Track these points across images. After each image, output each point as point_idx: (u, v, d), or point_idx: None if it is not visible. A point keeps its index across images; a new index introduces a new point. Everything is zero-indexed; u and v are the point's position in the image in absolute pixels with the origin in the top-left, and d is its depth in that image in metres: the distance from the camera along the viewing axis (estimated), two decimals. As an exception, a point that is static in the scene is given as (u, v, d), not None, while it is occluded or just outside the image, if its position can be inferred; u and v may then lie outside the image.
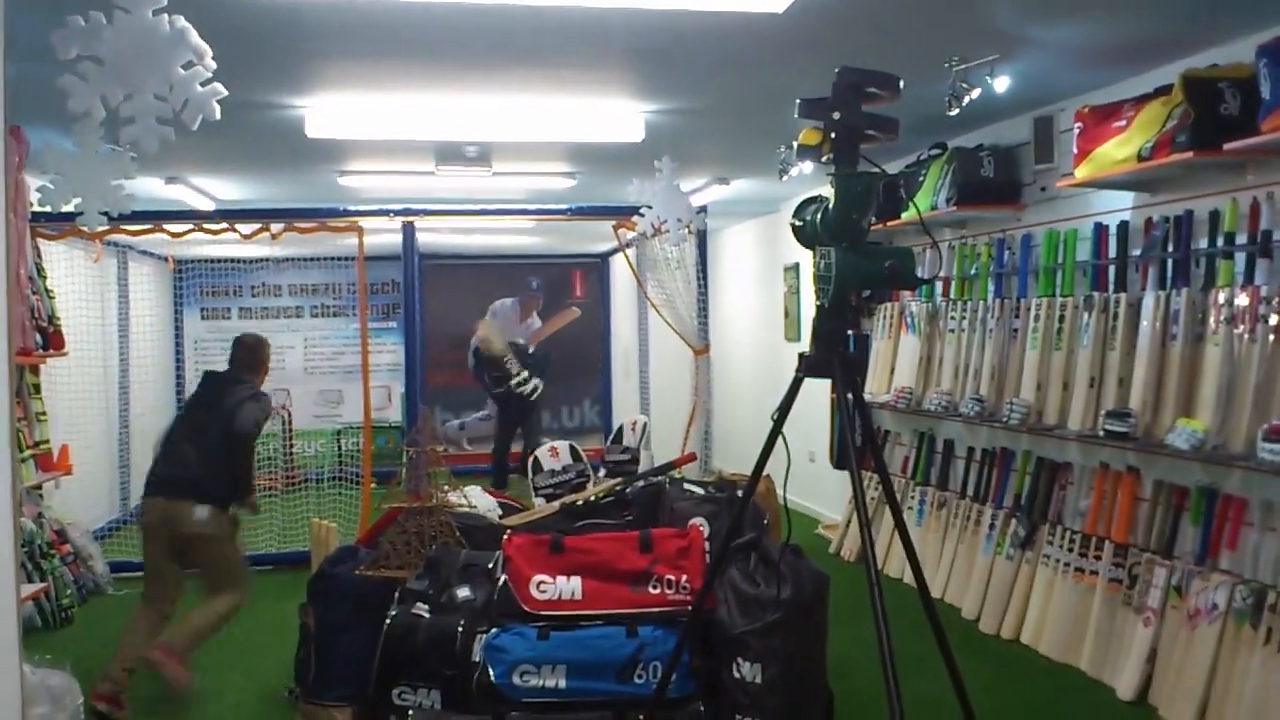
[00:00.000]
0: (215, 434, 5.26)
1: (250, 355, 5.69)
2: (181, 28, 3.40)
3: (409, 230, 7.90)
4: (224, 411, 5.30)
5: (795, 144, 3.18)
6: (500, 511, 5.29)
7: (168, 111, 3.40)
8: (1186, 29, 4.53)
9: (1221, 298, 4.53)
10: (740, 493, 4.07)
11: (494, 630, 4.10)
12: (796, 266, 9.28)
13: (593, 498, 5.02)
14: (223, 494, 5.25)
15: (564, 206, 8.37)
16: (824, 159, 3.09)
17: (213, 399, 5.45)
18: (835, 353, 3.10)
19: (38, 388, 7.07)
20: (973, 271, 6.50)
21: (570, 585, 4.18)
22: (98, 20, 3.33)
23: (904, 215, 6.60)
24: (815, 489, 8.70)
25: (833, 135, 3.02)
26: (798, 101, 3.05)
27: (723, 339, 10.23)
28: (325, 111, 5.72)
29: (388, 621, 4.17)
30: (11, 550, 3.04)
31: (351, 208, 7.81)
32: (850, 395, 3.10)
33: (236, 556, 5.41)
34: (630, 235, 7.78)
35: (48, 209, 3.93)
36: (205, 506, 5.14)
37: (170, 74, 3.37)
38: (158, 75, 3.37)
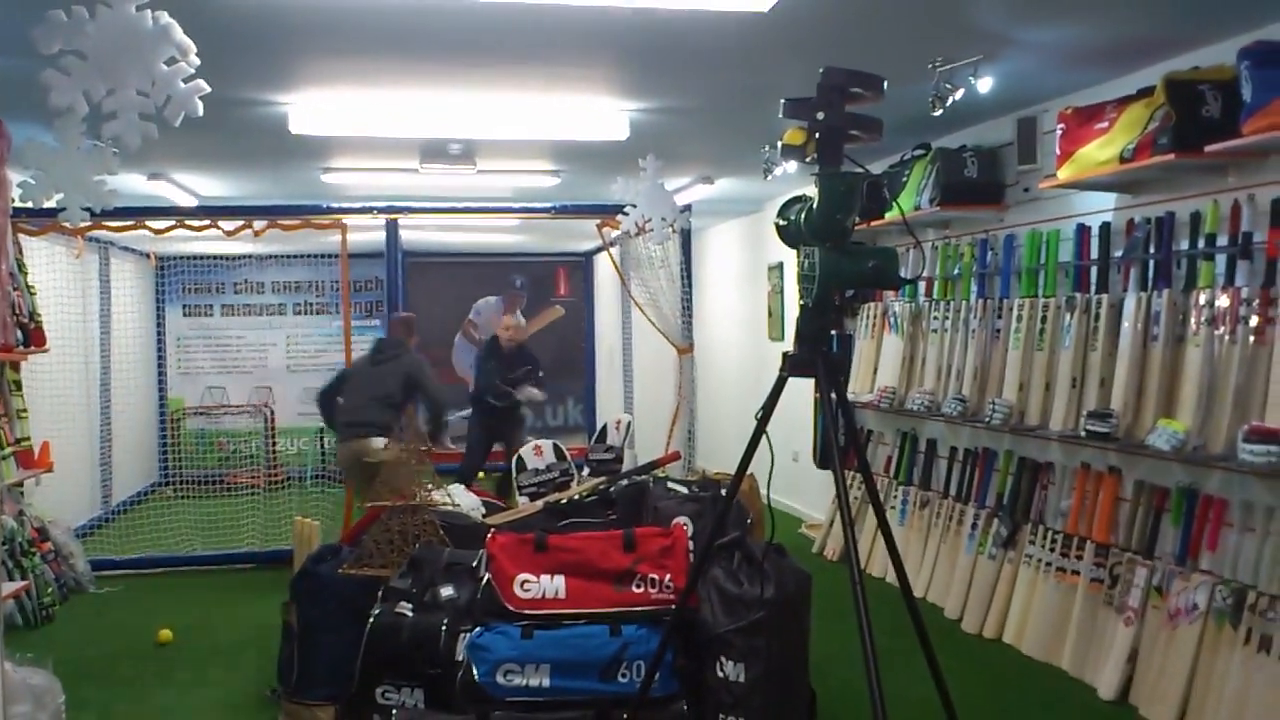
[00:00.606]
0: (392, 384, 6.88)
1: (405, 327, 7.40)
2: (165, 24, 3.39)
3: (393, 228, 7.89)
4: (401, 369, 6.97)
5: (780, 144, 3.18)
6: (483, 510, 5.29)
7: (150, 107, 3.39)
8: (1169, 31, 4.55)
9: (1202, 299, 4.55)
10: (724, 492, 4.08)
11: (477, 629, 4.09)
12: (780, 266, 9.29)
13: (576, 496, 5.02)
14: (393, 428, 6.53)
15: (548, 205, 8.36)
16: (808, 159, 3.09)
17: (385, 360, 7.05)
18: (819, 352, 3.11)
19: (18, 384, 7.03)
20: (955, 272, 6.52)
21: (554, 584, 4.17)
22: (80, 15, 3.32)
23: (887, 215, 6.62)
24: (798, 489, 8.71)
25: (817, 135, 3.02)
26: (782, 101, 3.05)
27: (706, 338, 10.25)
28: (309, 108, 5.70)
29: (371, 620, 4.17)
30: (-8, 548, 3.03)
31: (335, 205, 7.80)
32: (834, 395, 3.11)
33: (409, 476, 6.14)
34: (614, 234, 7.78)
35: (29, 205, 3.92)
36: (382, 439, 6.53)
37: (153, 70, 3.36)
38: (140, 71, 3.36)
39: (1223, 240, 4.57)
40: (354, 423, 6.85)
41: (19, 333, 6.60)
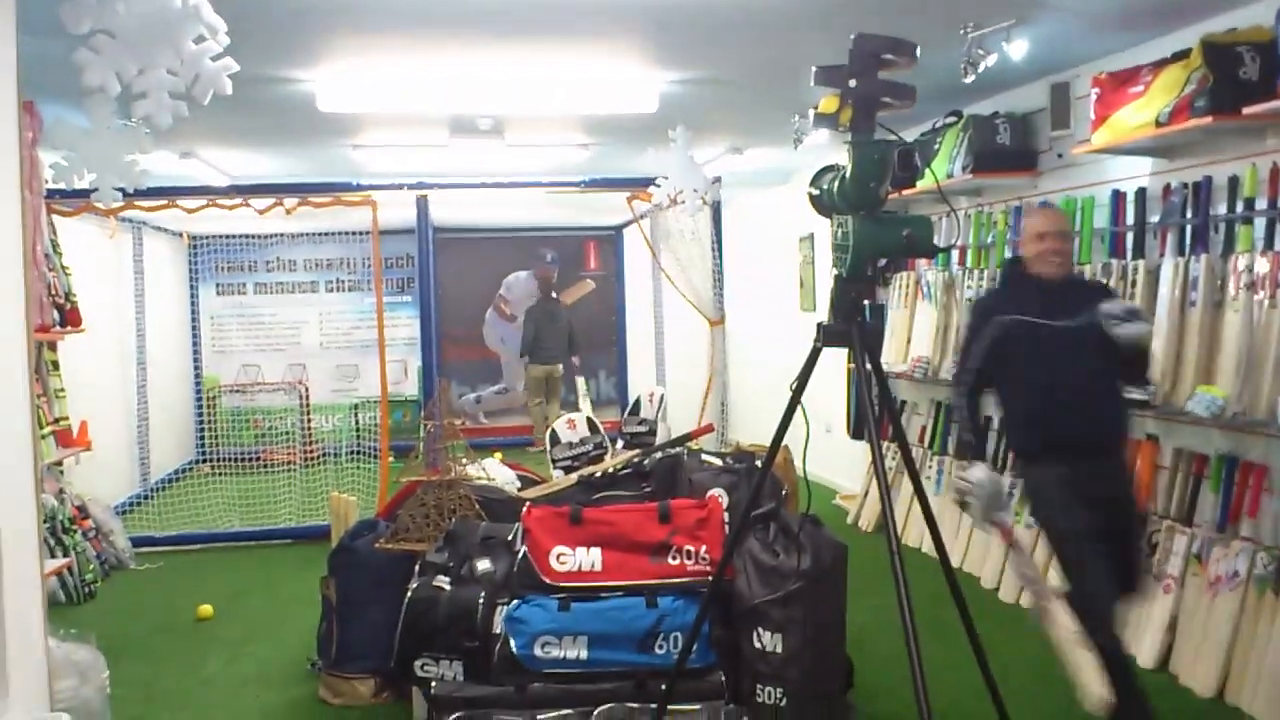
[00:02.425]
0: (563, 326, 11.16)
1: (549, 283, 11.71)
2: (194, 3, 3.38)
3: (423, 204, 7.90)
4: (565, 316, 11.42)
5: (812, 111, 3.16)
6: (518, 484, 5.31)
7: (180, 86, 3.39)
8: (1206, -8, 4.49)
9: (1241, 264, 4.50)
10: (758, 463, 4.08)
11: (515, 602, 4.12)
12: (811, 237, 9.25)
13: (611, 469, 5.03)
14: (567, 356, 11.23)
15: (578, 179, 8.34)
16: (841, 127, 3.06)
17: (555, 308, 11.39)
18: (854, 322, 3.10)
19: (56, 364, 7.10)
20: (989, 240, 6.47)
21: (590, 557, 4.19)
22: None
23: (919, 184, 6.57)
24: (832, 460, 8.68)
25: (850, 103, 2.99)
26: (814, 69, 3.02)
27: (738, 310, 10.21)
28: (337, 84, 5.70)
29: (409, 594, 4.19)
30: (34, 526, 3.05)
31: (365, 182, 7.81)
32: (869, 365, 3.09)
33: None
34: (644, 207, 7.75)
35: (62, 185, 3.94)
36: (560, 365, 11.06)
37: (182, 49, 3.35)
38: (169, 50, 3.35)
39: (1262, 204, 4.51)
40: (549, 350, 10.96)
41: (55, 313, 6.65)
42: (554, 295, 11.74)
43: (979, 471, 3.82)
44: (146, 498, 8.99)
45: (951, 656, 3.59)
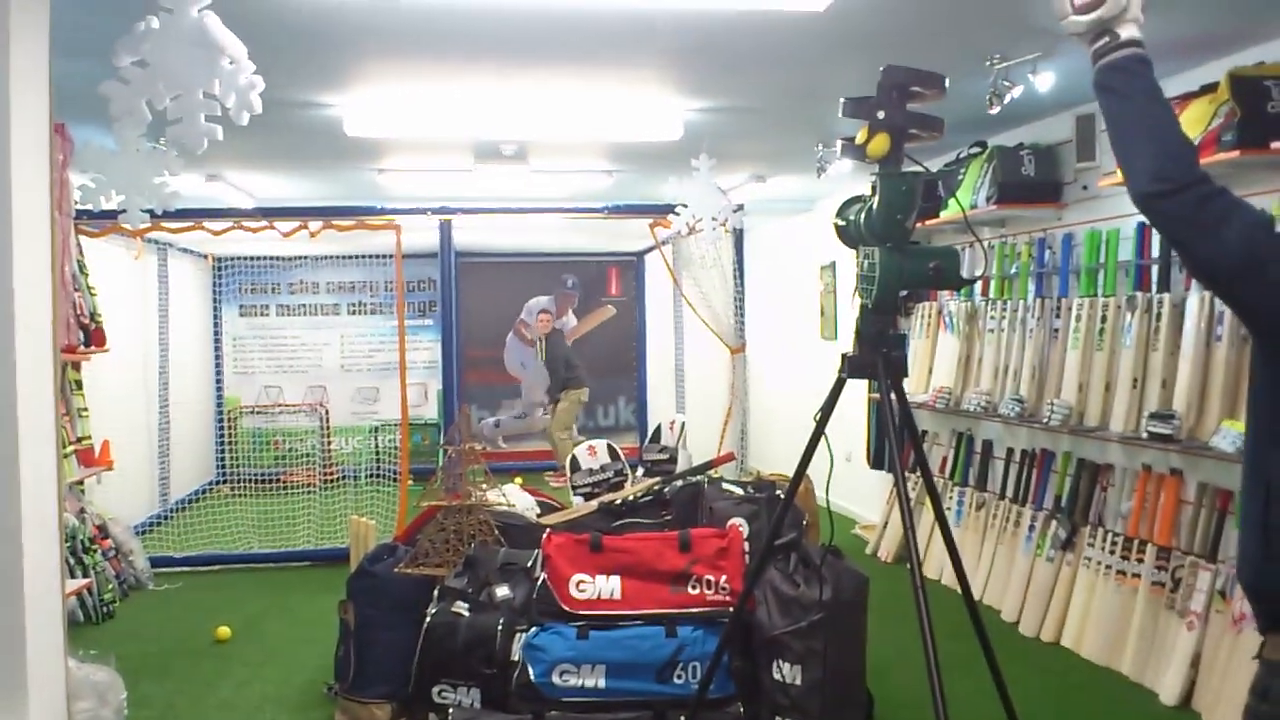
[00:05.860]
0: (560, 356, 11.19)
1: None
2: (209, 24, 3.37)
3: (446, 229, 7.93)
4: (564, 347, 11.40)
5: (840, 141, 3.15)
6: (538, 510, 5.30)
7: (215, 109, 3.41)
8: (1233, 26, 4.47)
9: (1268, 298, 4.46)
10: (779, 493, 4.07)
11: (533, 629, 4.11)
12: (833, 265, 9.24)
13: (631, 497, 5.01)
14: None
15: (600, 205, 8.36)
16: (869, 158, 3.06)
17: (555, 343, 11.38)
18: (880, 353, 3.08)
19: (79, 384, 7.13)
20: (1013, 271, 6.45)
21: (609, 585, 4.19)
22: (149, 23, 3.33)
23: (942, 214, 6.56)
24: (852, 490, 8.66)
25: (878, 134, 2.99)
26: (842, 100, 3.03)
27: (758, 338, 10.21)
28: (364, 109, 5.74)
29: (427, 619, 4.19)
30: (56, 545, 3.07)
31: (389, 206, 7.85)
32: (894, 396, 3.08)
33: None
34: (666, 233, 7.77)
35: (89, 206, 3.97)
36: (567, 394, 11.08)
37: (219, 71, 3.37)
38: (205, 74, 3.37)
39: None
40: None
41: (80, 333, 6.69)
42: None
43: None
44: (166, 518, 9.01)
45: (972, 690, 3.56)
